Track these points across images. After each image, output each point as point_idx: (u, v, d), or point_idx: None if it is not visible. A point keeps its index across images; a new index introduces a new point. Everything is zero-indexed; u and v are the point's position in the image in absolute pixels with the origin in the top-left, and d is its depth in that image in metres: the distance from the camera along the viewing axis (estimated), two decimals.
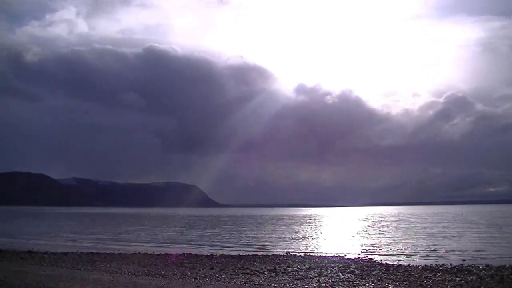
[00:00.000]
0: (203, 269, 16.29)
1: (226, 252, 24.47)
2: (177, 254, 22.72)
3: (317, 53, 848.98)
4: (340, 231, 47.93)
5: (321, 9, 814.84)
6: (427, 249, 25.67)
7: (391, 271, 15.44)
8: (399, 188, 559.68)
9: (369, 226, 55.70)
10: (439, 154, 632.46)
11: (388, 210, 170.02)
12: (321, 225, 60.28)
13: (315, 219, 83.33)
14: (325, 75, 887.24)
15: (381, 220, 73.07)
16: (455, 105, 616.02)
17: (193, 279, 13.78)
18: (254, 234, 41.93)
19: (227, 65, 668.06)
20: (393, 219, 78.61)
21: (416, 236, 36.12)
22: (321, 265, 17.55)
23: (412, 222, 62.62)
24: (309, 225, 59.49)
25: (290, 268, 16.40)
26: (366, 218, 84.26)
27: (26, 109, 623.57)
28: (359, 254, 23.08)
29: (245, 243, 31.62)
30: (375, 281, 13.46)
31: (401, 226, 53.59)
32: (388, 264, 18.19)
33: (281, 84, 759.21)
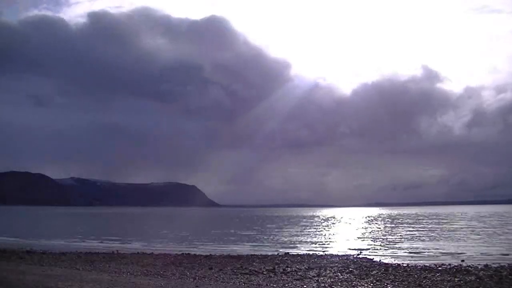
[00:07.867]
0: (202, 269, 16.28)
1: (225, 252, 24.46)
2: (176, 254, 22.74)
3: (380, 41, 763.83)
4: (343, 231, 47.89)
5: None
6: (427, 250, 25.69)
7: (390, 271, 15.45)
8: (433, 187, 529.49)
9: (374, 226, 55.73)
10: (492, 151, 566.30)
11: (407, 211, 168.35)
12: (324, 226, 60.24)
13: (320, 220, 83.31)
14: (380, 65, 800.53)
15: (386, 220, 73.11)
16: None
17: (192, 279, 13.77)
18: (253, 234, 41.93)
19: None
20: (406, 219, 78.26)
21: (417, 237, 36.13)
22: (320, 265, 17.55)
23: (418, 223, 62.51)
24: (309, 226, 59.50)
25: (289, 268, 16.40)
26: (378, 219, 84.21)
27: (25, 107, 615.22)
28: (358, 254, 23.07)
29: (244, 243, 31.61)
30: (374, 281, 13.46)
31: (406, 227, 53.58)
32: (387, 264, 18.20)
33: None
